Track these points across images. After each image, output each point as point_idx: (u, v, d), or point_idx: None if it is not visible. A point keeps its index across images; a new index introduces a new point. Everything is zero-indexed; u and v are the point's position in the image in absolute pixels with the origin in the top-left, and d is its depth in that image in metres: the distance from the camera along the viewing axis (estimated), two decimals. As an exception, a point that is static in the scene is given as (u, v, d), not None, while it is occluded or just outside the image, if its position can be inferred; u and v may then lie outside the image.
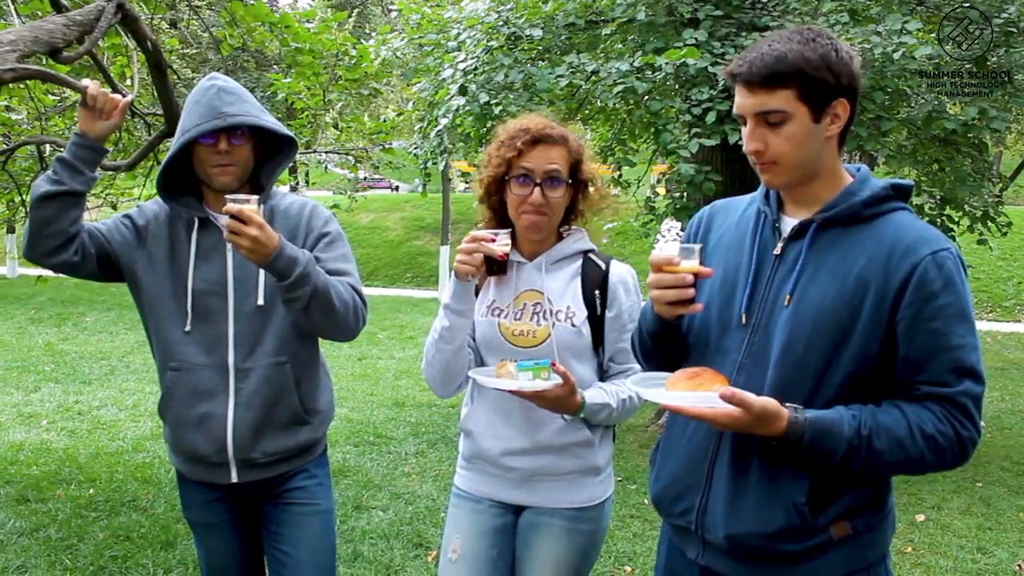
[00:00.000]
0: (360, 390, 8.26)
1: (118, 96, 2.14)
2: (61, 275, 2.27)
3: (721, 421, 1.49)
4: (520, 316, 2.13)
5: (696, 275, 1.60)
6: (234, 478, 2.24)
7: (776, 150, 1.57)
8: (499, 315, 2.15)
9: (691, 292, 1.60)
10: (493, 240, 2.01)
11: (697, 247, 1.62)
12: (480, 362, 2.20)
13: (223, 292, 2.20)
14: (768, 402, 1.48)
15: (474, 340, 2.20)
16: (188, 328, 2.19)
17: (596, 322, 2.12)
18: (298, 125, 6.35)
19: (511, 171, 2.09)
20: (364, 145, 7.08)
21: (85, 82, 2.13)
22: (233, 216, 1.94)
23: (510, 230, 2.09)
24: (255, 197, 2.00)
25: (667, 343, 1.78)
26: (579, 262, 2.18)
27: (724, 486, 1.64)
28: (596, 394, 2.06)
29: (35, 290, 15.42)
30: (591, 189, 2.18)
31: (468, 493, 2.23)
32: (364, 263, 21.30)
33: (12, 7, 3.66)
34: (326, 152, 7.02)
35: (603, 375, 2.18)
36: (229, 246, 2.19)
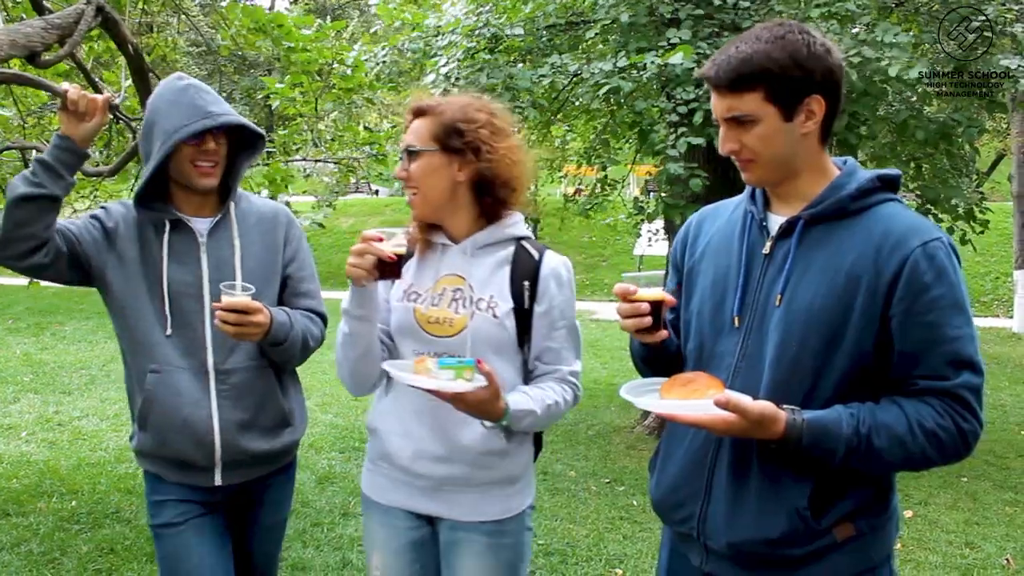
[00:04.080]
0: (345, 396, 8.19)
1: (98, 96, 2.09)
2: (41, 282, 2.22)
3: (718, 428, 1.47)
4: (438, 302, 1.95)
5: (653, 303, 1.62)
6: (218, 480, 2.21)
7: (751, 149, 1.56)
8: (415, 300, 1.97)
9: (647, 321, 1.61)
10: (382, 239, 1.78)
11: (659, 274, 1.67)
12: (394, 351, 2.01)
13: (198, 295, 2.18)
14: (765, 406, 1.46)
15: (388, 327, 2.02)
16: (168, 332, 2.16)
17: (523, 316, 1.93)
18: (290, 133, 6.25)
19: None
20: (355, 155, 7.00)
21: (64, 86, 2.07)
22: (231, 309, 2.00)
23: (407, 228, 1.90)
24: (251, 289, 2.07)
25: (658, 362, 1.79)
26: (511, 249, 1.98)
27: (723, 494, 1.62)
28: (520, 399, 1.86)
29: (12, 300, 15.20)
30: (490, 155, 1.91)
31: (375, 500, 2.07)
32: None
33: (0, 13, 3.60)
34: (317, 161, 6.93)
35: (528, 375, 2.01)
36: (203, 248, 2.20)
